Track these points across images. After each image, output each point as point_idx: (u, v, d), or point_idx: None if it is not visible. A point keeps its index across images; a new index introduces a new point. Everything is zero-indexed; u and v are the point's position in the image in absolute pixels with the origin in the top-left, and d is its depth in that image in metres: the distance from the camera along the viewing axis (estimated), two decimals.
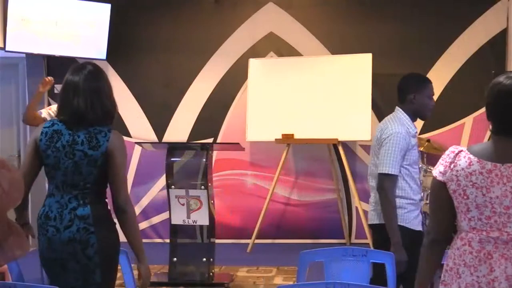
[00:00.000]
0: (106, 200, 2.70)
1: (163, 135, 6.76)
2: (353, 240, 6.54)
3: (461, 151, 2.16)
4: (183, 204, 5.00)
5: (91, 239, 2.55)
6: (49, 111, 4.96)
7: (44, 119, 4.80)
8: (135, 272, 2.79)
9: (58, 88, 4.91)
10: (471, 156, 2.13)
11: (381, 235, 3.26)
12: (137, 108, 6.75)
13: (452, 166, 2.14)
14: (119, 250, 2.70)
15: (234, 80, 6.67)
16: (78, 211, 2.56)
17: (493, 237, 2.07)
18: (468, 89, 6.30)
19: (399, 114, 3.46)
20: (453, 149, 2.20)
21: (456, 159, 2.15)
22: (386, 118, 3.54)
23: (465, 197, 2.11)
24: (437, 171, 2.19)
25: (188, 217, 5.00)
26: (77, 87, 2.62)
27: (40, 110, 5.03)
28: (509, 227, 2.06)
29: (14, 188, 2.17)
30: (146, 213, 6.78)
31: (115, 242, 2.66)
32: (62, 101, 2.67)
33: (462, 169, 2.11)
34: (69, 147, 2.59)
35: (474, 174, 2.09)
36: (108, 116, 2.68)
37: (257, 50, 6.65)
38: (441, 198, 2.18)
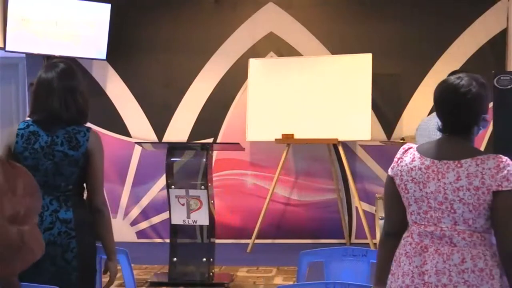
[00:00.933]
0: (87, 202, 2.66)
1: (163, 135, 6.75)
2: (353, 240, 6.54)
3: (411, 148, 2.24)
4: (183, 204, 5.00)
5: (72, 243, 2.52)
6: None
7: None
8: (136, 272, 2.79)
9: None
10: (415, 152, 2.20)
11: None
12: (137, 108, 6.74)
13: (399, 161, 2.23)
14: (96, 254, 2.68)
15: (234, 80, 6.67)
16: (60, 214, 2.52)
17: (429, 231, 2.13)
18: None
19: None
20: (404, 145, 2.28)
21: (404, 155, 2.23)
22: None
23: (406, 192, 2.17)
24: (390, 166, 2.27)
25: (188, 217, 5.00)
26: (50, 86, 2.56)
27: None
28: (443, 223, 2.10)
29: (33, 243, 2.15)
30: (146, 213, 6.77)
31: (95, 247, 2.65)
32: (35, 100, 2.61)
33: (406, 164, 2.19)
34: (48, 148, 2.54)
35: (414, 169, 2.16)
36: (83, 115, 2.63)
37: (257, 50, 6.65)
38: (390, 192, 2.26)
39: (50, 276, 2.52)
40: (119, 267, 2.83)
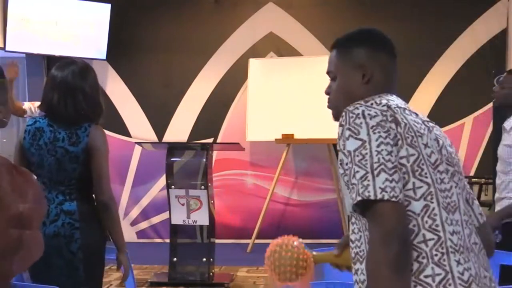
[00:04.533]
0: (93, 195, 2.68)
1: (163, 135, 6.76)
2: None
3: None
4: (183, 204, 5.00)
5: (75, 234, 2.54)
6: (31, 105, 4.97)
7: (24, 111, 4.92)
8: (136, 272, 2.78)
9: None
10: None
11: None
12: (137, 108, 6.74)
13: None
14: (104, 247, 2.68)
15: (234, 80, 6.67)
16: (64, 206, 2.56)
17: None
18: (468, 89, 6.30)
19: None
20: None
21: None
22: None
23: None
24: None
25: (188, 217, 5.00)
26: (55, 82, 2.60)
27: (24, 102, 5.08)
28: None
29: (38, 204, 2.18)
30: (146, 213, 6.78)
31: (100, 239, 2.65)
32: (42, 95, 2.66)
33: None
34: (51, 144, 2.58)
35: None
36: (83, 117, 2.60)
37: (257, 50, 6.65)
38: None
39: (60, 270, 2.55)
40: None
